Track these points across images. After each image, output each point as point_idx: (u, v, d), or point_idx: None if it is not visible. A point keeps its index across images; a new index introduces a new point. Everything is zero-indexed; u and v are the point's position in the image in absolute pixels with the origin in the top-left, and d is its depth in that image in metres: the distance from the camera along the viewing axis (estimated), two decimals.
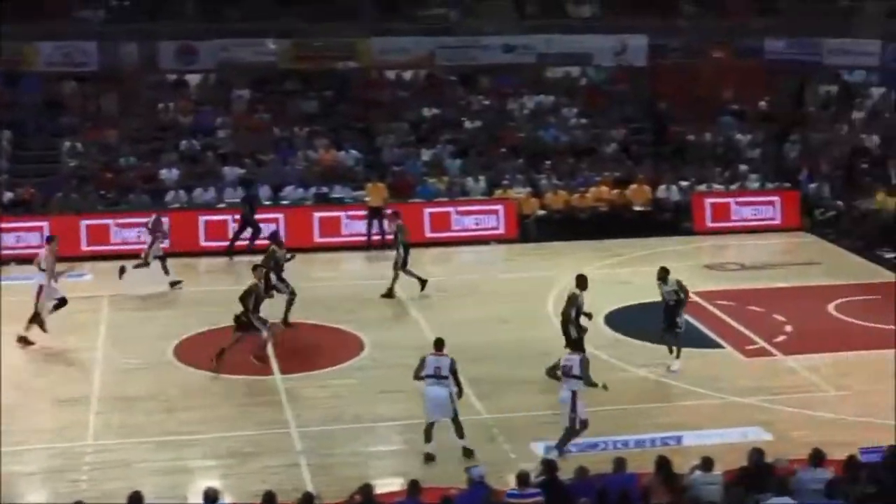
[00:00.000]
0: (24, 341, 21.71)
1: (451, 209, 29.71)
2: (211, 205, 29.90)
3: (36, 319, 21.77)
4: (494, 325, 23.07)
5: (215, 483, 14.67)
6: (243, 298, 20.65)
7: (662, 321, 20.60)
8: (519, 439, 17.60)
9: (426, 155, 32.65)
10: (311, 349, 21.64)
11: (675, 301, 20.58)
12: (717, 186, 31.95)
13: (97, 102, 33.39)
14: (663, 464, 14.31)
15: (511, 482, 14.46)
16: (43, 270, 21.92)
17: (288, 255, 23.21)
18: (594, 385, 17.16)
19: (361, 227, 28.99)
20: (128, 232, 27.83)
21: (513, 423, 18.20)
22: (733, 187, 31.95)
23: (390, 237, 28.74)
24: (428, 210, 29.61)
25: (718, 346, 21.88)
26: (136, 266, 25.20)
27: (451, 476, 15.84)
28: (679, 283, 20.79)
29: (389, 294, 24.70)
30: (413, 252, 27.97)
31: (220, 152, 32.11)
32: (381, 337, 22.32)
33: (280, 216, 28.85)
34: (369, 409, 18.96)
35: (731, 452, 16.28)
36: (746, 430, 17.91)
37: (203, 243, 27.56)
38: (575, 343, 19.43)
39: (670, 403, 19.14)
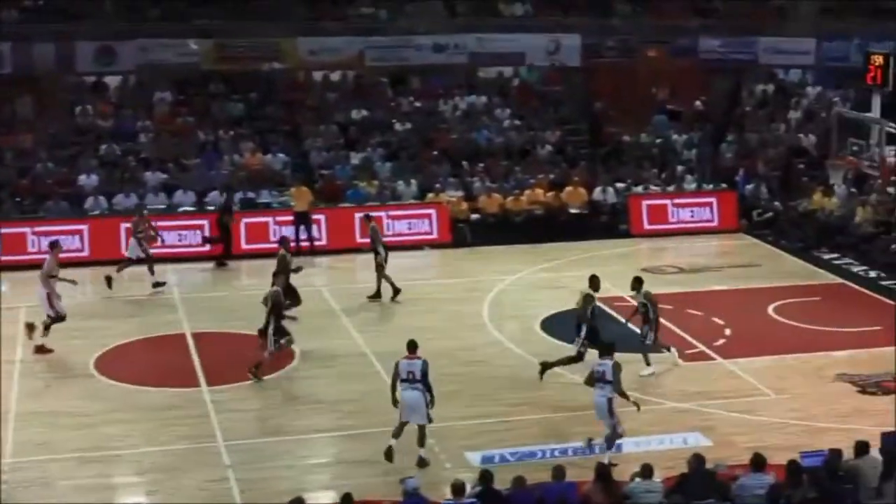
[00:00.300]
0: (42, 350, 21.89)
1: (381, 214, 29.62)
2: (132, 211, 29.56)
3: (58, 320, 21.97)
4: (428, 332, 22.98)
5: (141, 500, 14.52)
6: (271, 308, 20.67)
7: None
8: (454, 449, 17.61)
9: (356, 158, 32.60)
10: (239, 360, 21.46)
11: (643, 312, 20.79)
12: (653, 188, 32.24)
13: (11, 106, 32.92)
14: (603, 472, 14.40)
15: (446, 493, 14.46)
16: (52, 277, 22.12)
17: (293, 266, 23.21)
18: (624, 395, 17.41)
19: (290, 232, 28.81)
20: (46, 240, 27.44)
21: (447, 432, 18.17)
22: (670, 189, 32.24)
23: (319, 243, 28.76)
24: (358, 215, 29.47)
25: (657, 350, 21.99)
26: (119, 269, 25.54)
27: (386, 488, 15.82)
28: (648, 294, 20.96)
29: (377, 295, 25.01)
30: (343, 258, 27.98)
31: (141, 157, 31.81)
32: (312, 346, 22.21)
33: (205, 222, 28.66)
34: (300, 421, 18.86)
35: (671, 459, 16.44)
36: (686, 436, 18.06)
37: (124, 252, 27.26)
38: (594, 343, 19.72)
39: None
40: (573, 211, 31.15)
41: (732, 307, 24.70)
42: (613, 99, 36.61)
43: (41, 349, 21.91)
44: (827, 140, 32.02)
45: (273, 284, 21.55)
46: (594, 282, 20.60)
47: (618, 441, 17.25)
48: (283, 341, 20.79)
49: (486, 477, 14.32)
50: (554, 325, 23.39)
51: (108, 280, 25.48)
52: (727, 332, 23.16)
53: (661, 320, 21.35)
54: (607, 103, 36.51)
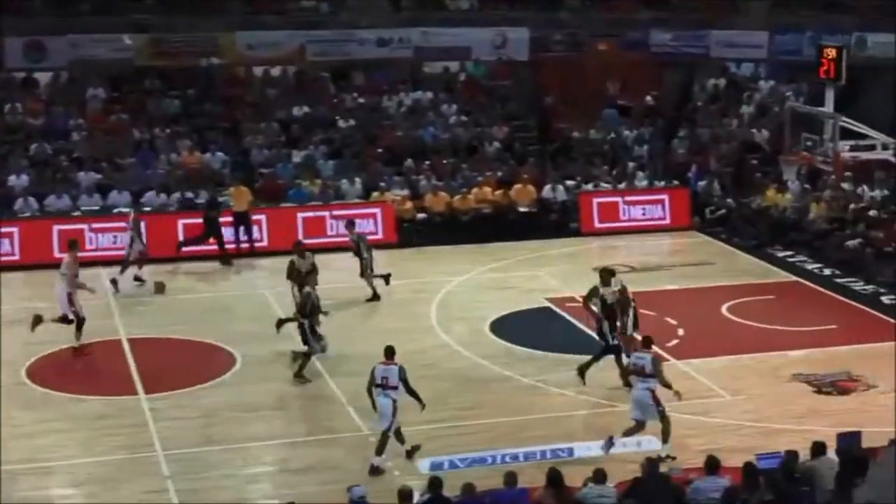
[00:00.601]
0: (76, 350, 22.03)
1: (325, 213, 29.56)
2: (65, 213, 29.33)
3: (80, 325, 22.05)
4: (374, 336, 22.96)
5: None
6: (300, 309, 20.80)
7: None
8: (402, 455, 17.58)
9: (297, 156, 32.49)
10: (178, 366, 21.34)
11: (616, 302, 20.46)
12: (604, 185, 32.37)
13: None
14: (555, 477, 14.42)
15: (394, 501, 14.41)
16: (63, 274, 22.21)
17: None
18: (668, 386, 17.61)
19: (229, 233, 28.67)
20: None
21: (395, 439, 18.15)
22: (621, 186, 32.39)
23: (260, 245, 28.63)
24: (301, 215, 29.43)
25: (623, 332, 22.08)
26: (122, 271, 25.73)
27: (331, 496, 15.78)
28: (622, 284, 20.86)
29: (375, 297, 25.18)
30: (286, 260, 27.88)
31: (73, 157, 31.51)
32: (254, 351, 22.11)
33: (142, 223, 28.38)
34: (241, 429, 18.77)
35: (625, 463, 16.50)
36: (640, 440, 18.12)
37: (57, 254, 26.94)
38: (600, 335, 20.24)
39: (561, 413, 19.28)
40: (522, 209, 31.22)
41: (685, 307, 24.86)
42: (562, 94, 36.73)
43: (79, 350, 22.10)
44: (780, 135, 32.32)
45: (303, 287, 21.47)
46: (604, 274, 20.65)
47: (464, 454, 17.33)
48: (322, 343, 20.86)
49: (434, 484, 14.30)
50: (503, 326, 23.42)
51: (137, 279, 26.04)
52: (680, 332, 23.29)
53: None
54: (556, 98, 36.63)
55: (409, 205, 30.61)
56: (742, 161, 33.58)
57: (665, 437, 17.47)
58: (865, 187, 30.04)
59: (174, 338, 22.74)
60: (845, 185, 30.15)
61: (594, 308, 20.47)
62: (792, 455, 14.61)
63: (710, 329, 23.65)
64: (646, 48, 37.85)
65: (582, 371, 20.19)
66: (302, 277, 22.41)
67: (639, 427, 17.63)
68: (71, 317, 22.13)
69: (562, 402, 19.73)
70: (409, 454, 17.55)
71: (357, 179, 31.27)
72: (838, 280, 26.96)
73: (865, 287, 26.45)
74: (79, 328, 22.09)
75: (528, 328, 23.39)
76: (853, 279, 26.99)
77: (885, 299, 25.56)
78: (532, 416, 18.90)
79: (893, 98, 34.94)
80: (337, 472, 17.04)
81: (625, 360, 20.43)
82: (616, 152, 34.57)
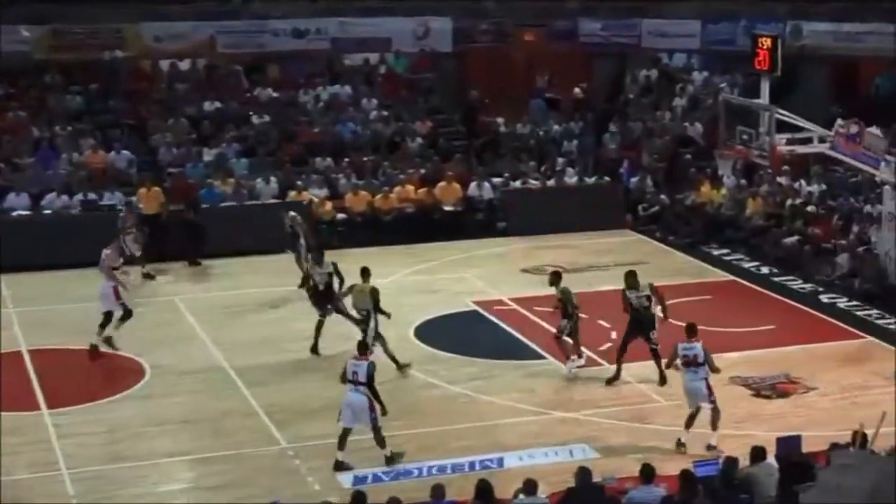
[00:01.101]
0: (108, 342, 22.45)
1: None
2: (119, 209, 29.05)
3: (127, 316, 22.60)
4: (291, 343, 22.95)
5: None
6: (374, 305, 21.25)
7: (633, 333, 20.98)
8: (323, 469, 17.56)
9: (208, 155, 32.29)
10: (83, 378, 21.12)
11: (646, 308, 20.99)
12: (532, 182, 32.50)
13: None
14: (484, 489, 14.45)
15: None
16: (116, 269, 22.75)
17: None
18: (717, 371, 18.61)
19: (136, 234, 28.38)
20: None
21: (316, 451, 18.13)
22: (550, 183, 32.54)
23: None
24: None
25: (539, 357, 22.22)
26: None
27: None
28: (652, 286, 21.18)
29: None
30: (201, 264, 27.78)
31: None
32: (164, 361, 21.98)
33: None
34: (152, 444, 18.63)
35: (557, 473, 16.61)
36: (572, 448, 18.25)
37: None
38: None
39: (490, 422, 19.34)
40: (447, 208, 31.27)
41: (619, 308, 24.90)
42: (488, 87, 36.87)
43: (108, 342, 22.37)
44: (714, 129, 32.60)
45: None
46: (629, 276, 21.21)
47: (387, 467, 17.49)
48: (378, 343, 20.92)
49: (358, 499, 14.27)
50: (429, 331, 23.44)
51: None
52: (613, 335, 23.41)
53: (541, 323, 21.57)
54: (482, 91, 36.73)
55: (328, 205, 30.52)
56: (676, 156, 33.91)
57: (714, 425, 18.07)
58: (803, 182, 30.49)
59: (78, 348, 22.48)
60: (782, 180, 30.57)
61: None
62: (731, 461, 14.78)
63: None
64: (575, 38, 38.10)
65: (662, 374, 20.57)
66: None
67: (696, 415, 18.22)
68: (119, 312, 22.51)
69: (491, 411, 19.78)
70: (390, 460, 17.61)
71: (272, 179, 31.12)
72: (776, 279, 27.31)
73: (804, 286, 26.83)
74: (122, 320, 22.59)
75: (455, 333, 23.43)
76: (791, 278, 27.37)
77: (823, 298, 25.94)
78: (460, 425, 18.94)
79: (830, 89, 35.60)
80: (254, 488, 16.97)
81: (567, 367, 20.67)
82: (544, 147, 34.74)
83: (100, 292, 22.53)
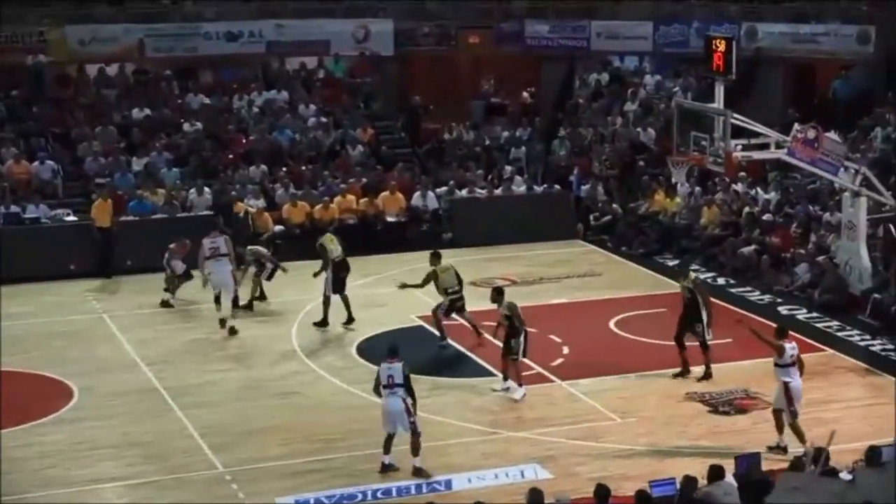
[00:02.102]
0: (231, 330, 24.43)
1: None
2: None
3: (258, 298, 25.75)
4: (226, 362, 22.92)
5: None
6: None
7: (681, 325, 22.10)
8: (263, 493, 17.54)
9: (138, 164, 32.18)
10: (8, 401, 20.94)
11: (690, 300, 21.93)
12: (479, 191, 32.59)
13: None
14: None
15: None
16: (225, 255, 24.75)
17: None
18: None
19: (63, 251, 28.20)
20: None
21: (255, 475, 18.11)
22: (497, 192, 32.65)
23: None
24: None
25: (488, 374, 22.28)
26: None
27: None
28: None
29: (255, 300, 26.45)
30: (129, 279, 27.69)
31: None
32: (94, 381, 21.88)
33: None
34: (84, 470, 18.51)
35: (507, 494, 16.71)
36: (523, 469, 18.31)
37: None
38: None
39: (437, 442, 19.36)
40: (390, 219, 31.32)
41: (570, 322, 25.17)
42: (432, 92, 36.96)
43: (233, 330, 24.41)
44: (667, 134, 32.86)
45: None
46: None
47: (331, 490, 17.66)
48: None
49: None
50: (372, 348, 23.43)
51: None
52: (565, 350, 23.57)
53: (490, 338, 21.66)
54: (425, 97, 36.83)
55: (264, 216, 30.44)
56: (628, 163, 34.11)
57: (801, 437, 18.29)
58: (759, 189, 30.79)
59: (3, 370, 22.32)
60: (738, 188, 30.85)
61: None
62: (689, 481, 14.89)
63: (598, 346, 23.96)
64: (521, 41, 38.28)
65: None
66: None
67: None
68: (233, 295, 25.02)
69: (439, 431, 19.79)
70: (419, 472, 17.99)
71: (206, 189, 31.04)
72: (733, 290, 27.56)
73: (762, 297, 27.09)
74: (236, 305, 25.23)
75: (400, 350, 23.39)
76: (749, 288, 27.63)
77: (782, 309, 26.20)
78: (406, 446, 18.95)
79: (786, 92, 35.97)
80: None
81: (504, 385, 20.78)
82: (491, 155, 34.86)
83: (223, 280, 24.68)
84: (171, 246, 26.36)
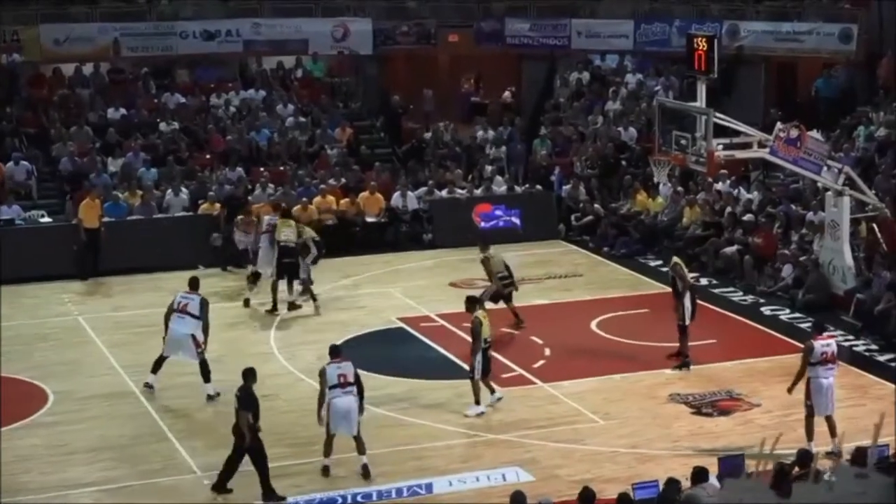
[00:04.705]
0: (292, 305, 25.70)
1: None
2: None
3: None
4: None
5: None
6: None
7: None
8: (241, 499, 17.45)
9: (114, 165, 32.06)
10: None
11: (672, 285, 22.75)
12: (459, 191, 32.54)
13: None
14: None
15: None
16: (194, 317, 21.58)
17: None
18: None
19: (36, 250, 28.05)
20: None
21: (233, 481, 18.00)
22: (478, 192, 32.60)
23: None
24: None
25: (469, 376, 22.19)
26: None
27: None
28: (675, 265, 22.57)
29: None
30: (105, 281, 27.58)
31: None
32: (68, 385, 21.78)
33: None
34: (59, 475, 18.42)
35: (489, 497, 16.67)
36: (505, 472, 18.28)
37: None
38: None
39: (417, 445, 19.34)
40: (370, 220, 31.24)
41: (551, 324, 25.13)
42: (411, 91, 36.89)
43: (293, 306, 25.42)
44: (649, 134, 32.87)
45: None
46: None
47: (309, 496, 17.67)
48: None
49: None
50: (352, 350, 23.27)
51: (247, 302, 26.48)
52: (547, 352, 23.54)
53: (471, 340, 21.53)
54: (404, 96, 36.77)
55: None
56: (609, 163, 34.10)
57: (835, 435, 18.49)
58: (742, 189, 30.79)
59: None
60: (720, 187, 30.85)
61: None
62: (672, 483, 14.85)
63: (579, 347, 23.93)
64: (502, 39, 38.21)
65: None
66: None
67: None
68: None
69: (419, 434, 19.77)
70: (366, 473, 17.93)
71: (183, 189, 30.93)
72: (716, 290, 27.55)
73: (745, 297, 27.09)
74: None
75: (380, 352, 23.38)
76: (731, 289, 27.63)
77: (765, 310, 26.21)
78: (386, 449, 18.90)
79: (769, 91, 36.03)
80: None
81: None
82: (471, 155, 34.82)
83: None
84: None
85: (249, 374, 17.83)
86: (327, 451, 18.12)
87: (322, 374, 18.14)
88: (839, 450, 17.83)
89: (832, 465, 15.19)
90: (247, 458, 17.47)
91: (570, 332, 24.71)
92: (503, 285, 24.27)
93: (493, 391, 20.83)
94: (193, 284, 21.78)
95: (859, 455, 14.82)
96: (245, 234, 27.49)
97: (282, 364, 22.98)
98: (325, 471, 18.13)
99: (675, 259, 23.17)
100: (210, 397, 21.04)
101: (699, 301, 23.40)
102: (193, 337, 21.06)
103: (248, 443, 17.21)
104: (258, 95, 35.72)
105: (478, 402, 20.52)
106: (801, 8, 35.76)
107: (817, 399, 18.66)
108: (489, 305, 23.29)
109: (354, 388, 18.03)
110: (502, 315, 24.03)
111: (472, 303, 21.16)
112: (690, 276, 28.14)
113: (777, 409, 20.48)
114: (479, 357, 20.35)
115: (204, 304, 21.34)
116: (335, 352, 18.48)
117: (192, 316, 21.09)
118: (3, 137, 32.60)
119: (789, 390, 19.05)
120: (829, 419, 18.81)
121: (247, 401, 17.49)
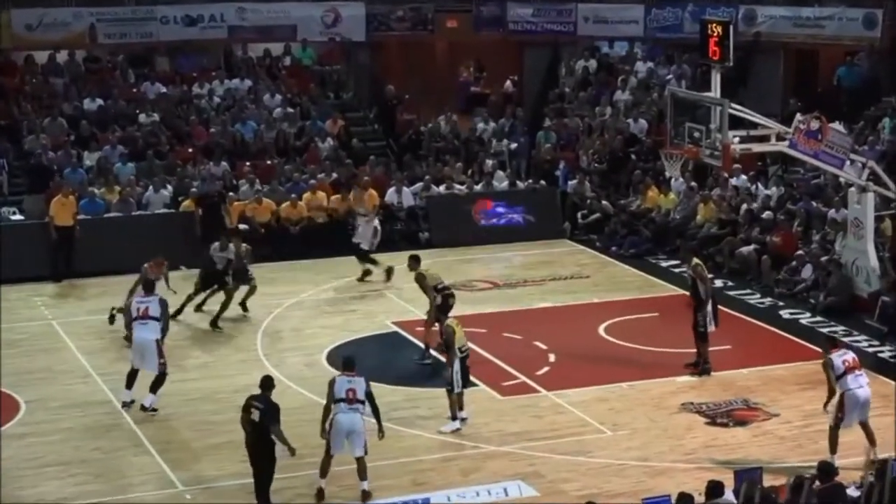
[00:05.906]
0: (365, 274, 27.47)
1: None
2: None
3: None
4: (189, 371, 22.82)
5: None
6: None
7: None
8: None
9: (90, 158, 32.09)
10: None
11: (691, 287, 22.71)
12: (458, 187, 32.57)
13: None
14: None
15: None
16: (364, 215, 27.21)
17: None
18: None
19: (7, 250, 28.08)
20: None
21: (216, 495, 18.07)
22: (478, 188, 32.63)
23: None
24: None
25: (470, 384, 22.20)
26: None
27: None
28: (695, 266, 22.50)
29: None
30: (80, 283, 27.60)
31: None
32: (42, 394, 21.78)
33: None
34: (32, 490, 18.39)
35: None
36: (507, 486, 18.29)
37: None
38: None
39: (414, 458, 19.35)
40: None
41: (556, 328, 25.13)
42: (407, 80, 36.90)
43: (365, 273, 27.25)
44: (660, 126, 32.90)
45: None
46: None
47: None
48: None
49: None
50: (343, 356, 23.34)
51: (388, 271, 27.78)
52: (551, 358, 23.54)
53: (471, 346, 21.58)
54: (399, 86, 36.78)
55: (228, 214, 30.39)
56: (618, 157, 34.10)
57: (873, 441, 18.67)
58: (759, 185, 30.80)
59: None
60: (736, 182, 30.85)
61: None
62: (685, 498, 14.86)
63: (586, 354, 23.93)
64: (503, 25, 38.26)
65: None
66: None
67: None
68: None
69: (415, 445, 19.78)
70: (366, 496, 17.84)
71: (168, 187, 30.95)
72: (731, 293, 27.54)
73: (762, 300, 27.10)
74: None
75: (373, 358, 23.37)
76: (748, 291, 27.63)
77: (784, 314, 26.22)
78: (380, 461, 18.88)
79: (788, 80, 36.00)
80: None
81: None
82: (471, 148, 34.83)
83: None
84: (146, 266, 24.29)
85: (269, 383, 17.76)
86: (324, 471, 17.93)
87: (331, 384, 18.00)
88: (876, 458, 17.96)
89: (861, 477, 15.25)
90: (243, 469, 17.44)
91: (575, 338, 24.71)
92: (444, 296, 23.22)
93: (461, 408, 20.56)
94: (148, 287, 21.82)
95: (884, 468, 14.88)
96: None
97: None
98: (320, 494, 17.90)
99: (696, 260, 22.91)
100: (144, 408, 20.82)
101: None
102: (157, 343, 20.95)
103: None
104: (244, 85, 35.72)
105: (454, 418, 20.44)
106: None
107: (852, 412, 18.63)
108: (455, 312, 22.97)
109: (362, 406, 17.82)
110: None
111: (416, 261, 23.05)
112: None
113: (797, 418, 20.52)
114: (456, 367, 20.19)
115: (163, 304, 21.39)
116: (349, 364, 18.25)
117: (154, 318, 21.06)
118: None
119: (825, 407, 19.05)
120: (864, 426, 18.79)
121: (273, 414, 17.35)
